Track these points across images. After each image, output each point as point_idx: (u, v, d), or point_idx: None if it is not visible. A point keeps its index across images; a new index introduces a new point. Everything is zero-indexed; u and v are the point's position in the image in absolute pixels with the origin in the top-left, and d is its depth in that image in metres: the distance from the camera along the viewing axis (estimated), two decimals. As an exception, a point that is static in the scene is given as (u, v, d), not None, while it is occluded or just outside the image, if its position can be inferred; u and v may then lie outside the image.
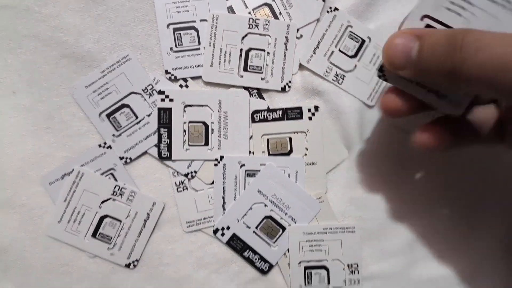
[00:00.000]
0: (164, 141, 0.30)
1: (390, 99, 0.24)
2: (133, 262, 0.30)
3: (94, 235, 0.30)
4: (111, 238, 0.30)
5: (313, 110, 0.31)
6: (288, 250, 0.30)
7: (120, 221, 0.30)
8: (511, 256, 0.32)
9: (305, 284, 0.30)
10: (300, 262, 0.31)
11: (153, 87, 0.30)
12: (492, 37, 0.19)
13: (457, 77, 0.20)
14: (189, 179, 0.31)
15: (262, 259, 0.31)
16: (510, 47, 0.18)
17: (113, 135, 0.30)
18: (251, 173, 0.30)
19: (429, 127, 0.24)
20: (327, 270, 0.31)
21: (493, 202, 0.32)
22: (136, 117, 0.30)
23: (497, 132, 0.25)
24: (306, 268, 0.31)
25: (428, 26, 0.23)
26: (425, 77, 0.22)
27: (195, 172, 0.30)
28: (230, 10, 0.31)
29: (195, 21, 0.30)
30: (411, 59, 0.21)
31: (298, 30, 0.31)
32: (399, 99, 0.24)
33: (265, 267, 0.31)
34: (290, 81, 0.31)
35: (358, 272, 0.31)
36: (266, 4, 0.31)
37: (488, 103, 0.26)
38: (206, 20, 0.30)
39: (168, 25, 0.30)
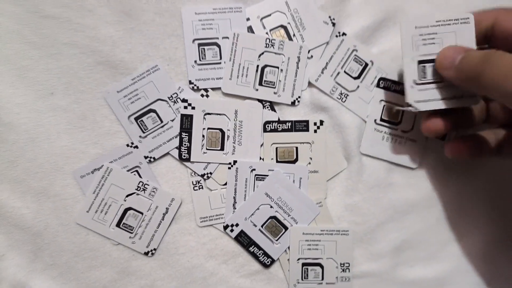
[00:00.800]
0: (185, 144, 0.34)
1: (432, 122, 0.30)
2: (151, 250, 0.34)
3: (118, 224, 0.33)
4: (133, 228, 0.33)
5: (318, 124, 0.34)
6: (289, 248, 0.34)
7: (142, 214, 0.33)
8: (489, 263, 0.35)
9: (302, 278, 0.34)
10: (298, 259, 0.34)
11: (177, 95, 0.33)
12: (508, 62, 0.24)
13: (479, 82, 0.25)
14: (205, 179, 0.34)
15: (265, 254, 0.34)
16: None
17: (140, 136, 0.33)
18: (260, 177, 0.34)
19: (456, 141, 0.32)
20: (322, 267, 0.34)
21: (473, 212, 0.35)
22: (161, 121, 0.33)
23: (497, 149, 0.32)
24: (303, 264, 0.34)
25: (420, 62, 0.29)
26: (458, 78, 0.27)
27: (211, 173, 0.34)
28: (250, 30, 0.34)
29: (218, 38, 0.34)
30: (454, 63, 0.27)
31: (309, 51, 0.34)
32: (439, 120, 0.30)
33: (268, 262, 0.34)
34: (299, 97, 0.34)
35: (349, 271, 0.34)
36: (282, 26, 0.34)
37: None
38: (227, 38, 0.34)
39: (193, 40, 0.33)
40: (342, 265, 0.34)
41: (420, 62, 0.29)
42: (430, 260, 0.35)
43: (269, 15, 0.34)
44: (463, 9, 0.34)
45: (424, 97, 0.29)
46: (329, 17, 0.34)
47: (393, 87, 0.34)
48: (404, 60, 0.30)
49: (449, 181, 0.35)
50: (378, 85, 0.35)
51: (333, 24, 0.34)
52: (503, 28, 0.28)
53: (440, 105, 0.29)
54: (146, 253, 0.33)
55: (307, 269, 0.34)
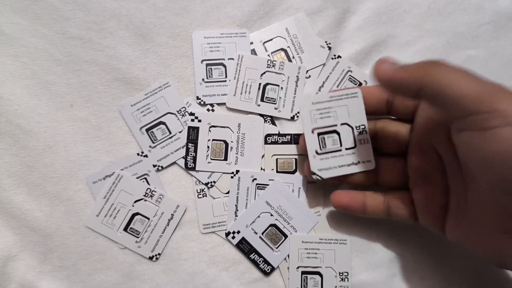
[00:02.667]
0: (191, 154, 0.36)
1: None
2: (155, 255, 0.35)
3: (125, 229, 0.35)
4: (140, 232, 0.35)
5: (316, 137, 0.37)
6: (288, 256, 0.35)
7: (148, 219, 0.35)
8: (483, 278, 0.36)
9: (301, 287, 0.34)
10: (298, 267, 0.35)
11: (185, 109, 0.36)
12: (445, 69, 0.24)
13: (428, 76, 0.25)
14: (208, 188, 0.36)
15: (265, 262, 0.35)
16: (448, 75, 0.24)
17: (150, 146, 0.36)
18: (261, 186, 0.36)
19: (340, 193, 0.33)
20: (321, 276, 0.35)
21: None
22: (170, 133, 0.36)
23: (386, 210, 0.32)
24: (303, 272, 0.35)
25: (319, 134, 0.33)
26: (399, 80, 0.26)
27: (214, 182, 0.36)
28: (253, 52, 0.37)
29: (224, 59, 0.37)
30: (394, 67, 0.26)
31: (307, 71, 0.37)
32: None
33: (268, 269, 0.35)
34: (298, 112, 0.37)
35: (348, 280, 0.35)
36: (282, 49, 0.38)
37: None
38: (233, 59, 0.37)
39: (202, 61, 0.37)
40: (341, 274, 0.35)
41: (319, 134, 0.33)
42: (424, 273, 0.35)
43: (271, 39, 0.38)
44: (451, 34, 0.38)
45: (325, 165, 0.33)
46: (325, 41, 0.38)
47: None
48: (306, 133, 0.33)
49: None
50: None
51: (329, 48, 0.38)
52: (399, 99, 0.31)
53: (340, 171, 0.33)
54: (151, 258, 0.35)
55: (307, 277, 0.35)
